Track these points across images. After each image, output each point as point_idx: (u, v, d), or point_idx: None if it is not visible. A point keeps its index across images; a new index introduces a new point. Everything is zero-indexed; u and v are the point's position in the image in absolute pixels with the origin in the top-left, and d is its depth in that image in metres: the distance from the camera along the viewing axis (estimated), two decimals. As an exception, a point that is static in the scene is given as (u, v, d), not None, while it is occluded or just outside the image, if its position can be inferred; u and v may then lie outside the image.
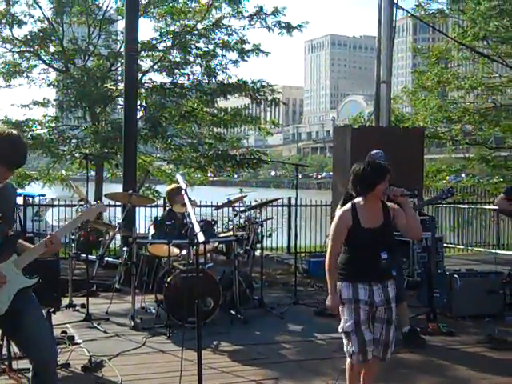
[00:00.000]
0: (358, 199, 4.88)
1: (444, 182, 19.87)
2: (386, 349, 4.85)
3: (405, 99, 20.25)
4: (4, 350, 5.78)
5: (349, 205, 4.88)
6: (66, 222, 4.53)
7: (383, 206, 4.89)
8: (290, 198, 13.71)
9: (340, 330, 4.83)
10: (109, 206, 13.69)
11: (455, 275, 8.15)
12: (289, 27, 15.11)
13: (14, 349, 5.12)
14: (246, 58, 15.30)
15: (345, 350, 4.82)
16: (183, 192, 4.61)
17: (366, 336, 4.73)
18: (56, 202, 13.87)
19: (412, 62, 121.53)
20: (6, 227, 3.97)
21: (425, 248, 8.35)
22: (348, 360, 4.86)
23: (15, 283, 3.89)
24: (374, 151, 7.14)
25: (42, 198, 15.77)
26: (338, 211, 5.00)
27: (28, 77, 15.57)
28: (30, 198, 13.99)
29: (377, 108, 11.56)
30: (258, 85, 15.33)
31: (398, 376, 5.96)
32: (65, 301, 7.94)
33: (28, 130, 15.05)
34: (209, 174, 17.24)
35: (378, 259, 4.81)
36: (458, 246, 15.47)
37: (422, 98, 18.24)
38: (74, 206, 12.40)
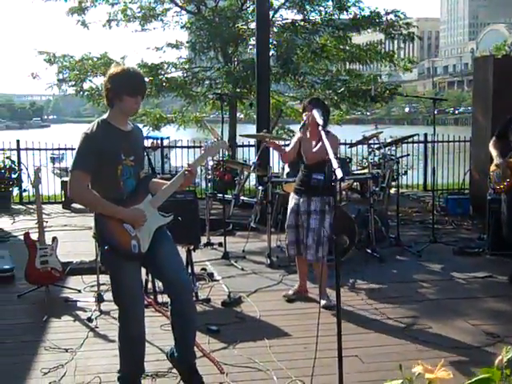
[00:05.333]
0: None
1: None
2: (307, 251, 5.91)
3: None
4: (150, 285, 6.09)
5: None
6: (196, 157, 4.58)
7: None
8: (426, 135, 13.27)
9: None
10: (242, 146, 13.90)
11: None
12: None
13: (159, 283, 5.36)
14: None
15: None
16: (320, 128, 4.49)
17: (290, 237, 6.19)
18: (179, 144, 14.20)
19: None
20: (139, 169, 4.11)
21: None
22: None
23: (153, 222, 4.07)
24: None
25: (167, 139, 16.17)
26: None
27: (162, 20, 15.86)
28: (156, 141, 14.29)
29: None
30: (392, 16, 14.77)
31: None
32: (203, 240, 8.19)
33: (163, 72, 15.39)
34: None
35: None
36: None
37: None
38: (197, 147, 12.74)
